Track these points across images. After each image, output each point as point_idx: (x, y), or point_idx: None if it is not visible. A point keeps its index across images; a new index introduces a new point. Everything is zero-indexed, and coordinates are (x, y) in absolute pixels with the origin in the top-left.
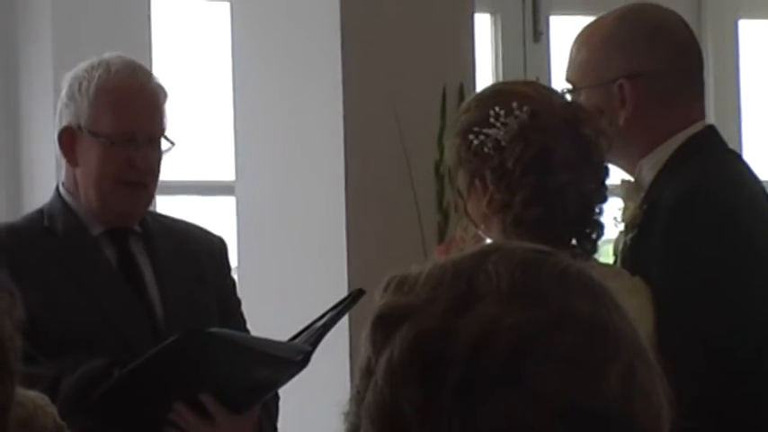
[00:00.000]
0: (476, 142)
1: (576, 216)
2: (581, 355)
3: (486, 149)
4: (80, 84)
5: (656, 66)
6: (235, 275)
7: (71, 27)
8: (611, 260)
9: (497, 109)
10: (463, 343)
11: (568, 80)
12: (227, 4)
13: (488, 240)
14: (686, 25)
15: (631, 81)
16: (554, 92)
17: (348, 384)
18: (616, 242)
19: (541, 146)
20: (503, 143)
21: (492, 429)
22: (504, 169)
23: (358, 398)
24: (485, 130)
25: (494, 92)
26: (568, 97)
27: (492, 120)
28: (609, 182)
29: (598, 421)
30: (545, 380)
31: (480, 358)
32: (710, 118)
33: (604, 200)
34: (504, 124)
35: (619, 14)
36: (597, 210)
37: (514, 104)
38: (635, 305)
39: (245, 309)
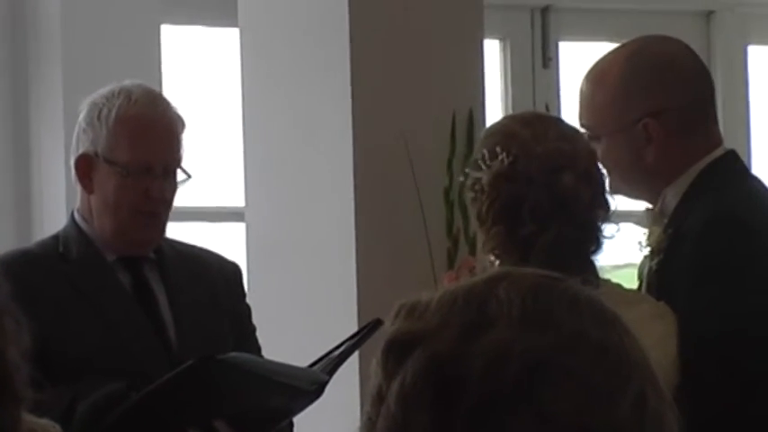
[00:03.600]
0: (468, 183)
1: (549, 264)
2: (593, 380)
3: (471, 193)
4: (100, 111)
5: (677, 100)
6: None
7: (81, 56)
8: (635, 285)
9: (485, 151)
10: (476, 367)
11: (586, 125)
12: (237, 31)
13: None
14: (692, 52)
15: (656, 118)
16: (550, 131)
17: (358, 411)
18: (641, 267)
19: (511, 196)
20: (485, 188)
21: None
22: (481, 216)
23: (369, 424)
24: (473, 173)
25: (492, 132)
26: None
27: (479, 162)
28: (630, 208)
29: None
30: (558, 404)
31: (493, 382)
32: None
33: (594, 241)
34: (489, 167)
35: (627, 53)
36: (590, 250)
37: (498, 149)
38: (658, 330)
39: (257, 336)
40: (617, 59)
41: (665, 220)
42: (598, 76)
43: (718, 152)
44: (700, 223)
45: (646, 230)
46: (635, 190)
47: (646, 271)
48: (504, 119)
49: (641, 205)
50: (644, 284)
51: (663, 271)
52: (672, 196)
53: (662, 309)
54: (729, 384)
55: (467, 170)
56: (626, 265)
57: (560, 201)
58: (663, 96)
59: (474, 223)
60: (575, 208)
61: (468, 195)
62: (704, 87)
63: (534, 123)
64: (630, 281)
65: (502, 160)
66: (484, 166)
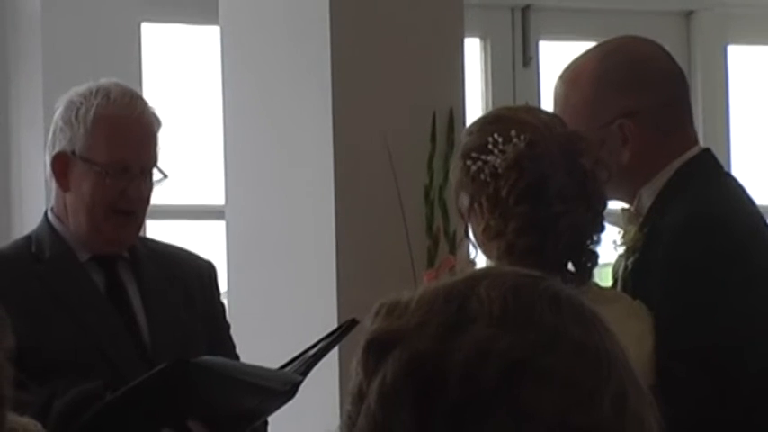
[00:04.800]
0: (474, 168)
1: (568, 246)
2: (574, 378)
3: (482, 176)
4: (77, 109)
5: (652, 100)
6: (224, 300)
7: (61, 54)
8: (609, 283)
9: (496, 136)
10: (456, 365)
11: None
12: (218, 29)
13: (479, 263)
14: (666, 52)
15: (631, 119)
16: (556, 120)
17: (338, 411)
18: (615, 265)
19: (536, 176)
20: (499, 171)
21: None
22: (498, 197)
23: (349, 423)
24: (482, 157)
25: (495, 117)
26: None
27: (490, 146)
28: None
29: None
30: (538, 402)
31: (473, 381)
32: (699, 142)
33: (601, 230)
34: (501, 152)
35: (601, 53)
36: (594, 239)
37: (513, 132)
38: (634, 328)
39: (234, 333)
40: (590, 61)
41: (641, 220)
42: (572, 78)
43: (693, 151)
44: (676, 222)
45: (620, 230)
46: (610, 190)
47: (621, 270)
48: (500, 109)
49: (616, 205)
50: (619, 283)
51: (639, 270)
52: (647, 196)
53: (637, 307)
54: (705, 387)
55: (473, 154)
56: (605, 265)
57: (580, 183)
58: (637, 97)
59: (454, 221)
60: (592, 191)
61: (470, 182)
62: (679, 87)
63: (535, 112)
64: (605, 280)
65: (516, 144)
66: (496, 151)
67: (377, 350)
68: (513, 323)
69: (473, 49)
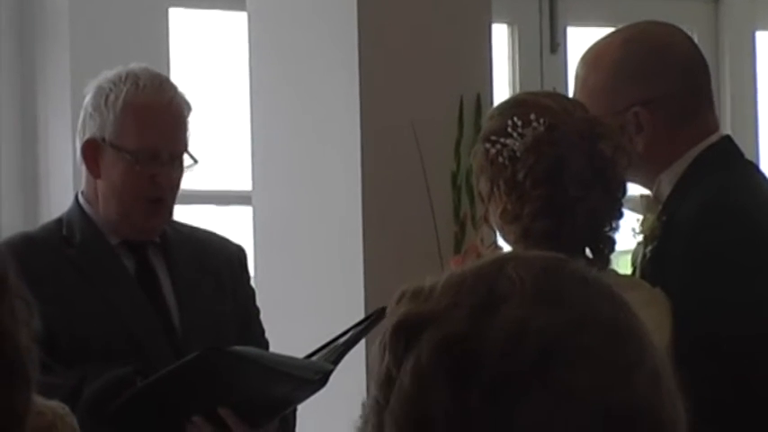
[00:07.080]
0: (492, 151)
1: (584, 231)
2: (609, 356)
3: (501, 159)
4: (107, 96)
5: (668, 89)
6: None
7: (89, 39)
8: (629, 271)
9: (515, 119)
10: (491, 345)
11: None
12: (245, 15)
13: (505, 248)
14: (688, 38)
15: (646, 107)
16: (577, 105)
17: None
18: (634, 253)
19: (554, 160)
20: (517, 154)
21: (524, 429)
22: (515, 181)
23: (377, 408)
24: (502, 140)
25: (516, 101)
26: None
27: (509, 129)
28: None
29: (629, 421)
30: (576, 380)
31: (509, 359)
32: (727, 129)
33: (619, 216)
34: (520, 135)
35: (623, 38)
36: (611, 225)
37: (533, 116)
38: (654, 316)
39: (260, 318)
40: (612, 44)
41: (660, 207)
42: (592, 60)
43: (712, 138)
44: (694, 210)
45: (639, 217)
46: (630, 175)
47: (639, 258)
48: (522, 94)
49: (636, 190)
50: (637, 272)
51: (657, 259)
52: (666, 183)
53: (657, 295)
54: (723, 376)
55: (493, 137)
56: (624, 252)
57: (598, 168)
58: (653, 85)
59: (481, 206)
60: (611, 177)
61: (489, 166)
62: (697, 75)
63: (556, 97)
64: (624, 268)
65: (535, 127)
66: (515, 134)
67: (407, 333)
68: (546, 302)
69: (500, 34)
